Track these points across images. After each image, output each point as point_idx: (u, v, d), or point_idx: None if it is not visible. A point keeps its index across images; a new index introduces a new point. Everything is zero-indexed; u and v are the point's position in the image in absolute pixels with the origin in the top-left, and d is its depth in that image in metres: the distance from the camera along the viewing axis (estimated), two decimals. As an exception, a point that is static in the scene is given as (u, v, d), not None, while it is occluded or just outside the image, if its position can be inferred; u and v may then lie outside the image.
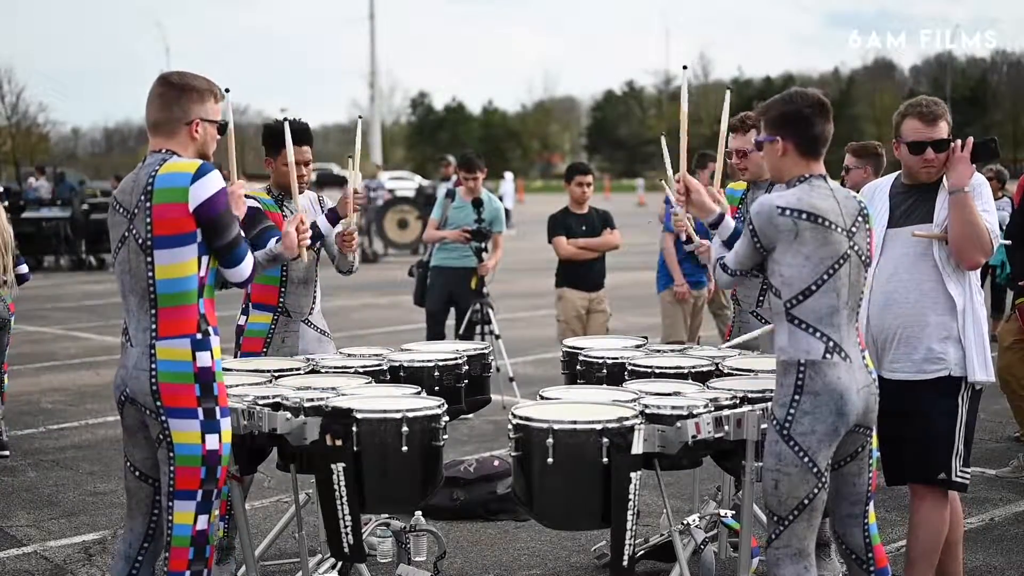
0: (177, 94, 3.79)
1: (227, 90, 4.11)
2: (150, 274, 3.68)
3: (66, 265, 23.16)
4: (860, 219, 3.76)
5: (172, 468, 3.71)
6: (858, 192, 4.21)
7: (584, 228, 8.30)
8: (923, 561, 4.34)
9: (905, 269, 4.34)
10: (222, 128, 3.91)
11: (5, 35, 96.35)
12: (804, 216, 3.62)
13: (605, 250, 8.40)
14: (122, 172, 35.71)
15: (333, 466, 3.97)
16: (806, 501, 3.65)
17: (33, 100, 59.54)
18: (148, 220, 3.67)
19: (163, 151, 3.77)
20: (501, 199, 13.00)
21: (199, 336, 3.71)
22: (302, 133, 5.25)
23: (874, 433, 3.87)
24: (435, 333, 9.11)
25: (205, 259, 3.72)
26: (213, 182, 3.68)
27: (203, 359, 3.71)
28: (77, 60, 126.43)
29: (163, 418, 3.69)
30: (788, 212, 3.62)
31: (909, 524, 4.46)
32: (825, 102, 3.79)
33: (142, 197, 3.69)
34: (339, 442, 3.97)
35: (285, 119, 5.16)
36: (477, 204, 8.75)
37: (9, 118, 49.05)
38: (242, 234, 3.82)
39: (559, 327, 8.33)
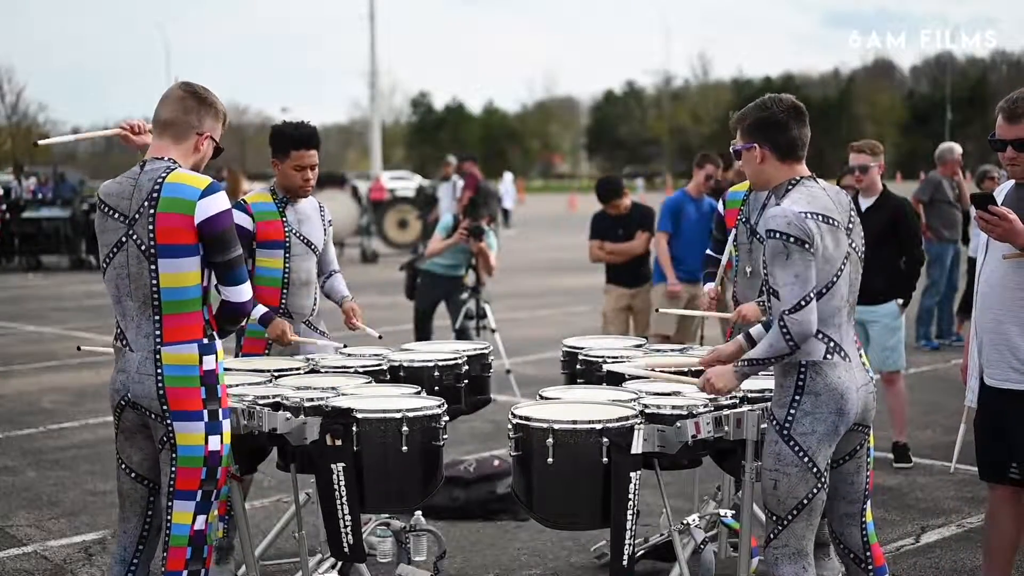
0: (198, 103, 3.83)
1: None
2: (154, 281, 3.68)
3: (66, 265, 23.15)
4: (852, 214, 3.75)
5: (174, 469, 3.71)
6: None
7: (621, 232, 8.60)
8: (999, 557, 4.34)
9: (1000, 274, 4.18)
10: (218, 151, 3.95)
11: (5, 35, 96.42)
12: (822, 219, 3.59)
13: (627, 256, 8.63)
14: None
15: (333, 466, 3.97)
16: (805, 501, 3.65)
17: (33, 100, 59.65)
18: (151, 227, 3.67)
19: (165, 159, 3.78)
20: (500, 200, 13.04)
21: (205, 341, 3.73)
22: (310, 137, 5.26)
23: (872, 432, 3.87)
24: (423, 332, 9.38)
25: (208, 271, 3.75)
26: (220, 201, 3.71)
27: (209, 363, 3.73)
28: (77, 60, 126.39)
29: (168, 422, 3.69)
30: (812, 216, 3.57)
31: (985, 522, 4.47)
32: (799, 106, 3.77)
33: (145, 203, 3.68)
34: (339, 442, 3.97)
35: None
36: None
37: (9, 118, 49.04)
38: (243, 257, 3.83)
39: (603, 321, 8.73)
